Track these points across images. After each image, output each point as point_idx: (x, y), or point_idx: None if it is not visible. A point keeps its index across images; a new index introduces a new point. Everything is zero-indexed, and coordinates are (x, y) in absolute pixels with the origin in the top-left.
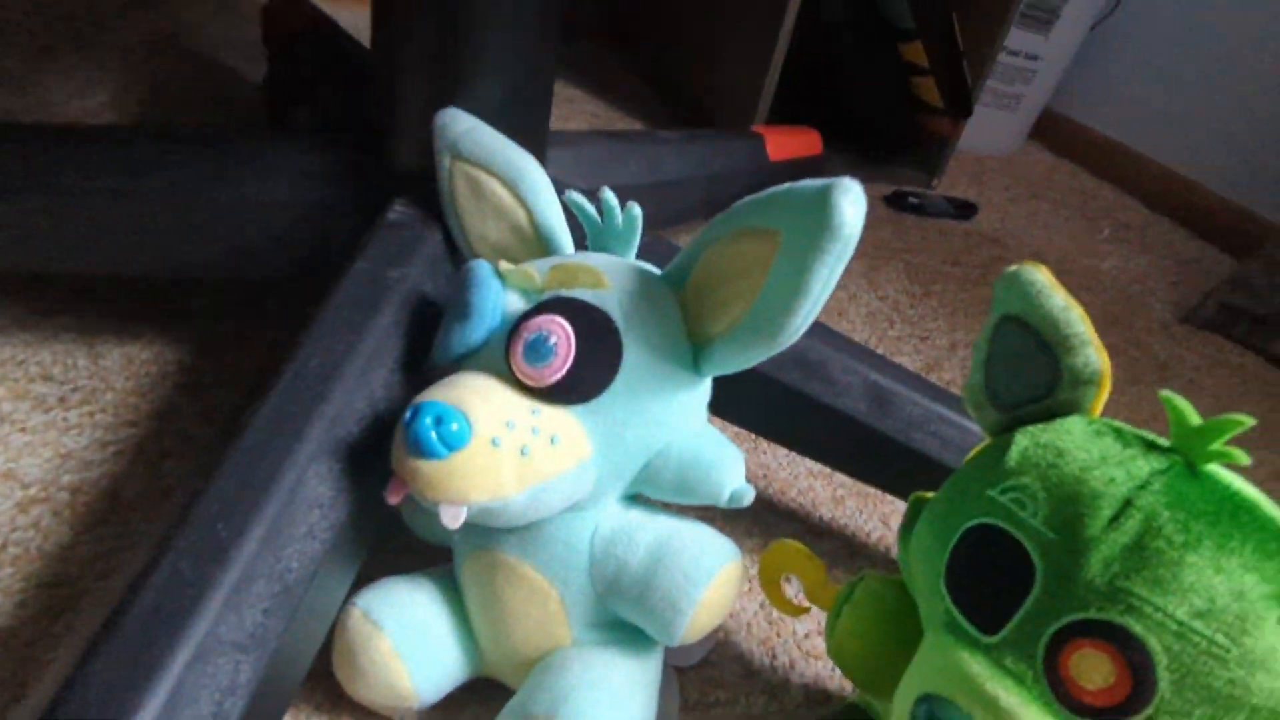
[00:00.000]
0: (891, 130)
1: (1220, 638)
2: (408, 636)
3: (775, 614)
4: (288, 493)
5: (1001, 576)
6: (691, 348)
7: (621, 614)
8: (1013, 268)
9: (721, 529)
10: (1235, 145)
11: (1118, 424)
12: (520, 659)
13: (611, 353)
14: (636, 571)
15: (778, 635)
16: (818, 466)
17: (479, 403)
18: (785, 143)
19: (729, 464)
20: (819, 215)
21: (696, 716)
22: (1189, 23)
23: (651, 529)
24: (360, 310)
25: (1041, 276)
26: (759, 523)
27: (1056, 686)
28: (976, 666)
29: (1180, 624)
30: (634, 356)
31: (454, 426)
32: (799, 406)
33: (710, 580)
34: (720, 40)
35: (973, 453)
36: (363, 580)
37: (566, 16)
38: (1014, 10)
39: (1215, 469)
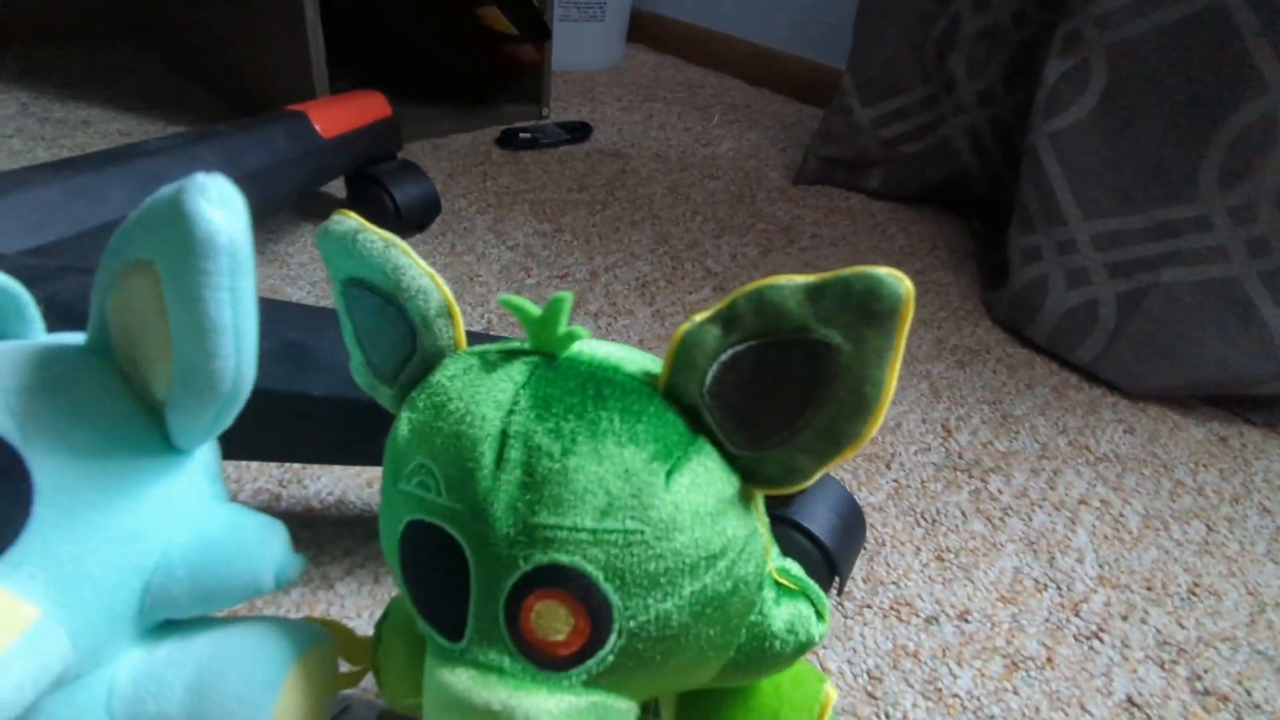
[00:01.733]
0: (476, 69)
1: (631, 524)
2: None
3: None
4: None
5: (443, 573)
6: (154, 421)
7: None
8: (322, 227)
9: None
10: (798, 8)
11: (482, 349)
12: None
13: (9, 483)
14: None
15: None
16: None
17: None
18: (337, 114)
19: (258, 542)
20: (180, 232)
21: None
22: None
23: (189, 660)
24: None
25: (351, 222)
26: None
27: (534, 657)
28: (460, 682)
29: (594, 532)
30: (53, 473)
31: None
32: (301, 409)
33: (277, 691)
34: (252, 22)
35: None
36: None
37: (92, 23)
38: None
39: (575, 350)
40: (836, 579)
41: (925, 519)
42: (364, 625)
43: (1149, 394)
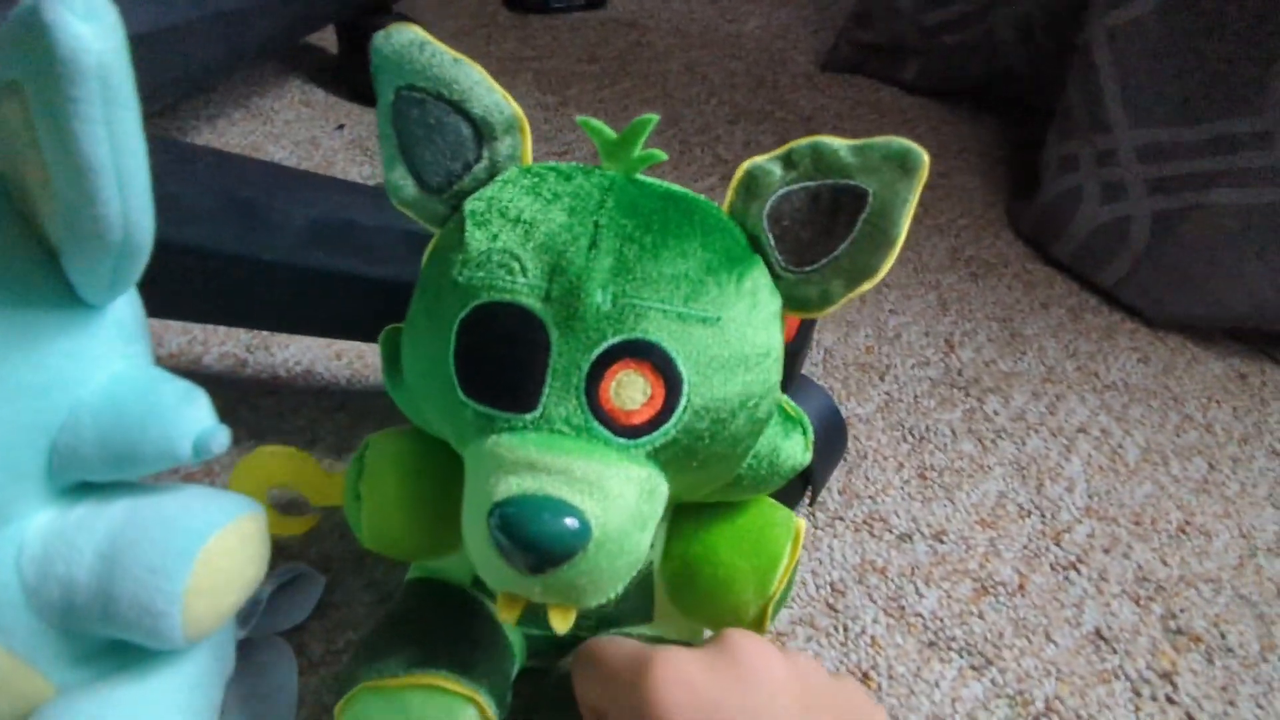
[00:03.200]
0: None
1: (710, 310)
2: None
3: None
4: None
5: (517, 350)
6: (59, 271)
7: (105, 635)
8: (380, 34)
9: None
10: None
11: (551, 164)
12: None
13: None
14: (89, 585)
15: None
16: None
17: None
18: None
19: (174, 405)
20: (42, 51)
21: (331, 669)
22: None
23: (102, 525)
24: None
25: (416, 33)
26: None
27: (608, 424)
28: (533, 448)
29: (680, 313)
30: None
31: None
32: (249, 273)
33: (192, 560)
34: None
35: (427, 253)
36: None
37: None
38: None
39: (640, 176)
40: (810, 488)
41: (913, 435)
42: None
43: (1171, 323)
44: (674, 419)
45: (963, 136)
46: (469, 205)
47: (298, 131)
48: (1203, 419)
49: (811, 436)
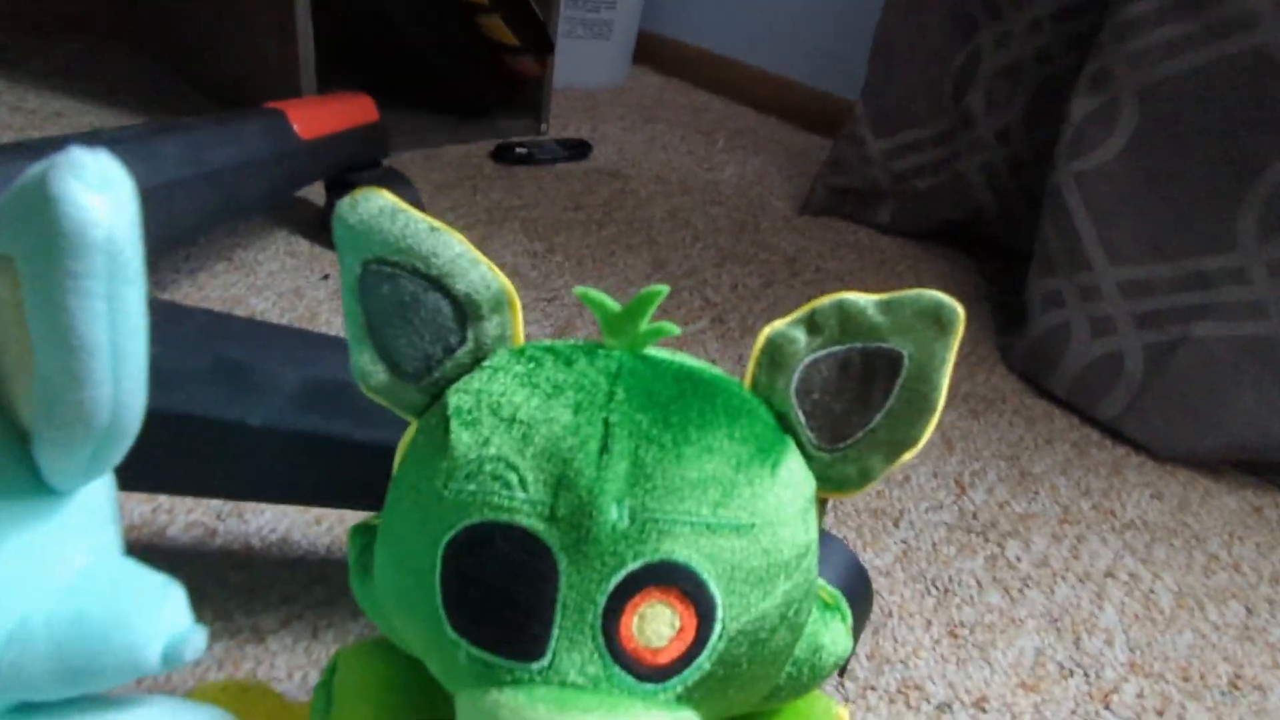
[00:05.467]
0: (474, 79)
1: (743, 516)
2: None
3: None
4: None
5: (519, 582)
6: (23, 452)
7: None
8: (345, 200)
9: None
10: (811, 37)
11: (546, 343)
12: None
13: None
14: None
15: None
16: None
17: None
18: (319, 115)
19: (143, 611)
20: (45, 221)
21: None
22: None
23: None
24: None
25: (387, 199)
26: None
27: (631, 668)
28: (542, 708)
29: (709, 524)
30: None
31: None
32: (236, 439)
33: None
34: (241, 15)
35: (400, 449)
36: None
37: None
38: None
39: (649, 351)
40: None
41: (937, 587)
42: (295, 690)
43: (1177, 456)
44: (707, 651)
45: (942, 274)
46: (453, 400)
47: (281, 282)
48: (1229, 557)
49: (850, 618)
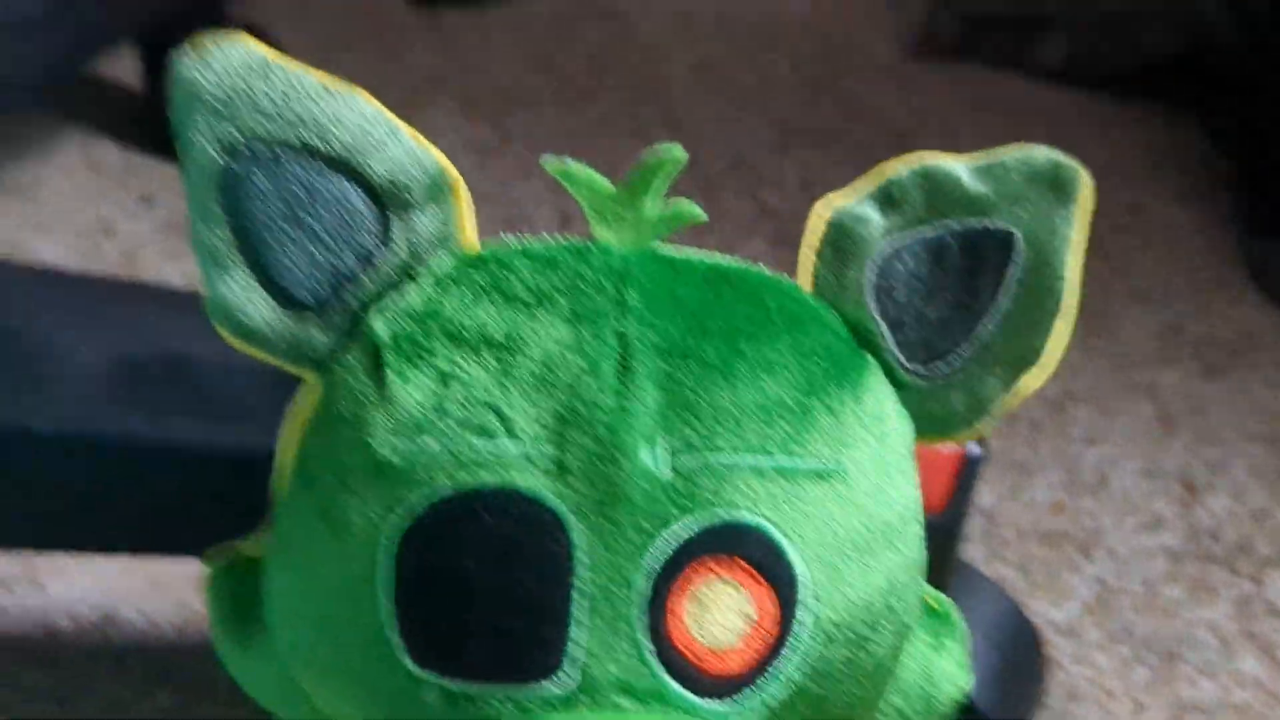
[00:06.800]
0: None
1: (827, 456)
2: None
3: None
4: None
5: (517, 570)
6: None
7: None
8: (187, 54)
9: None
10: None
11: (513, 242)
12: None
13: None
14: None
15: None
16: None
17: None
18: None
19: None
20: None
21: None
22: None
23: None
24: None
25: (252, 49)
26: None
27: (688, 678)
28: None
29: (781, 467)
30: None
31: None
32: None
33: None
34: None
35: (291, 427)
36: None
37: None
38: None
39: (661, 247)
40: None
41: (1154, 652)
42: None
43: None
44: (797, 652)
45: (1148, 145)
46: (382, 327)
47: (81, 214)
48: None
49: (966, 640)
